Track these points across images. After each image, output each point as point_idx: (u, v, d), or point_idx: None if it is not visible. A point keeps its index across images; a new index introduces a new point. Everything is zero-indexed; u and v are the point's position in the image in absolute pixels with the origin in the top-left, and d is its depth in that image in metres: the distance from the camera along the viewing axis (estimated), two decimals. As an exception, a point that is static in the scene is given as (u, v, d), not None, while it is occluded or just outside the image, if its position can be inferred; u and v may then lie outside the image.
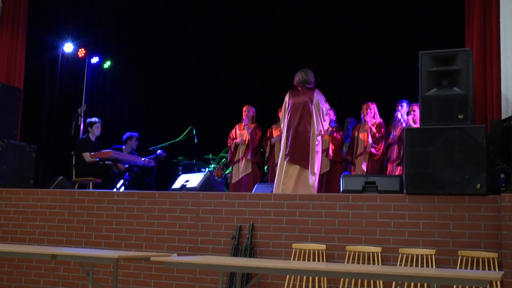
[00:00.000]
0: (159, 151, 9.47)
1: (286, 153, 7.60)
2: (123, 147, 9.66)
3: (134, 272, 6.62)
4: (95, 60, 11.39)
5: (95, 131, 9.11)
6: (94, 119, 9.20)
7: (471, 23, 7.04)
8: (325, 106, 7.78)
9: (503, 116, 6.24)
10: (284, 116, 7.83)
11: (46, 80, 10.96)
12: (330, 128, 9.16)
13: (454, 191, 5.59)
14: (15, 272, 7.13)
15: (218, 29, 12.28)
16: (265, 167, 9.94)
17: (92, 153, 8.67)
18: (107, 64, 11.79)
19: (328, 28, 11.26)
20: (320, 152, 7.85)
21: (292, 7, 11.59)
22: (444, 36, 9.43)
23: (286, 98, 7.84)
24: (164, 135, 10.69)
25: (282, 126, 7.96)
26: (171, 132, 10.71)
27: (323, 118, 7.71)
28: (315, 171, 7.60)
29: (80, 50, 11.23)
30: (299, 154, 7.51)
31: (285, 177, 7.55)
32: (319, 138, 7.72)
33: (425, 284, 5.41)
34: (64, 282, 6.88)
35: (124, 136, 9.78)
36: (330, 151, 9.12)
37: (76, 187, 8.54)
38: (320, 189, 8.88)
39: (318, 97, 7.69)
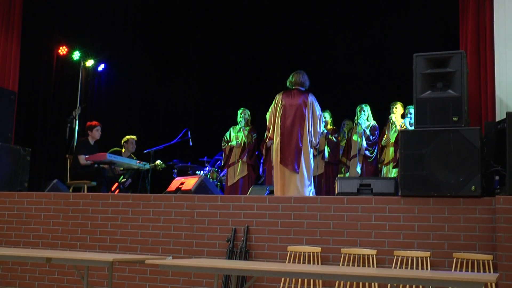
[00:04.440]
0: (158, 161, 9.47)
1: (279, 155, 7.57)
2: (123, 150, 9.68)
3: (129, 275, 6.61)
4: (89, 62, 11.37)
5: (95, 135, 8.93)
6: (95, 123, 9.03)
7: (465, 25, 7.06)
8: (320, 112, 7.73)
9: (497, 118, 6.25)
10: (276, 117, 7.73)
11: (41, 83, 10.93)
12: (326, 131, 9.15)
13: (449, 193, 5.60)
14: (10, 275, 7.11)
15: (213, 32, 12.28)
16: (261, 169, 9.93)
17: (86, 156, 8.62)
18: (101, 67, 11.77)
19: (323, 30, 11.29)
20: (312, 155, 7.76)
21: (286, 10, 11.60)
22: (438, 39, 9.46)
23: (278, 98, 7.74)
24: (158, 138, 10.67)
25: (268, 125, 7.87)
26: (166, 134, 10.70)
27: (318, 124, 7.63)
28: (308, 174, 7.54)
29: (74, 52, 11.21)
30: (290, 157, 7.46)
31: (277, 180, 7.54)
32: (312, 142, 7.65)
33: (420, 287, 5.39)
34: (58, 285, 6.87)
35: (123, 140, 9.79)
36: (326, 153, 9.11)
37: (70, 190, 8.51)
38: (317, 191, 8.87)
39: (313, 101, 7.62)
